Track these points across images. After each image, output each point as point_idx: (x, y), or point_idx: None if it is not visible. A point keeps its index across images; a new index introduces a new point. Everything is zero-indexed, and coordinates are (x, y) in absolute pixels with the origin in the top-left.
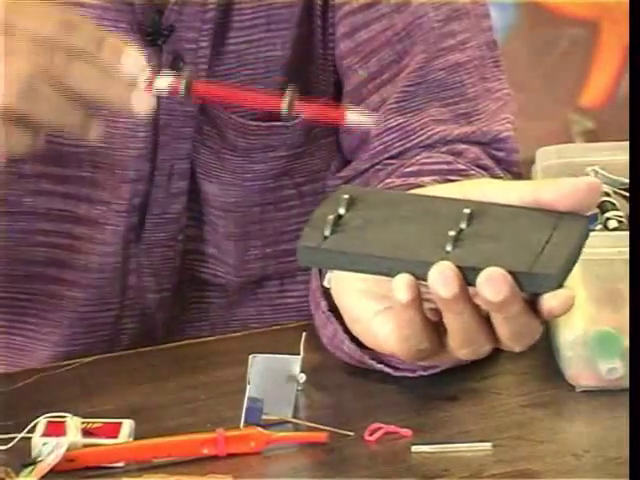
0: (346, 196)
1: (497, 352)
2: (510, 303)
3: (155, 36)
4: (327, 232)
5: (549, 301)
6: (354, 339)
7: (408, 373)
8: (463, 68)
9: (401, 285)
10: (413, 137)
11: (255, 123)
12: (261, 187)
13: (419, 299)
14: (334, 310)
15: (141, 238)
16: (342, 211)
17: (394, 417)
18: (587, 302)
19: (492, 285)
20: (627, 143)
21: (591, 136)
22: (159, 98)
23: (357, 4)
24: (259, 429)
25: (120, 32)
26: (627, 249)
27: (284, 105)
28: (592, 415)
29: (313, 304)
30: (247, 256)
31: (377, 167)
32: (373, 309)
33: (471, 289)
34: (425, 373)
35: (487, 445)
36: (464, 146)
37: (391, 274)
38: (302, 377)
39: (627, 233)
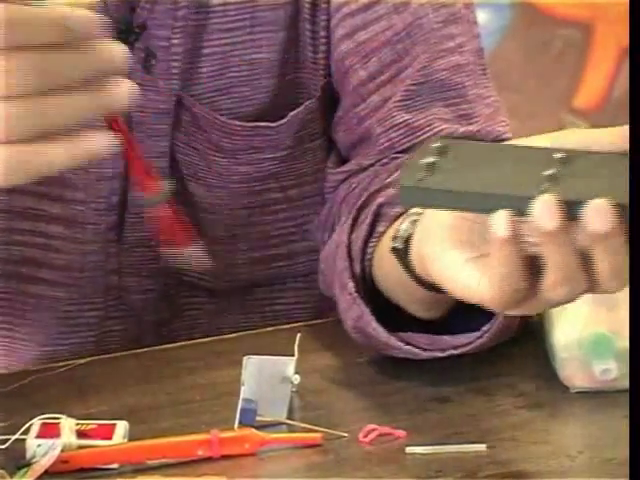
0: (437, 144)
1: (491, 353)
2: (614, 235)
3: (127, 33)
4: (422, 175)
5: None
6: (380, 321)
7: (438, 353)
8: (463, 70)
9: (501, 221)
10: (420, 133)
11: (239, 123)
12: (247, 190)
13: (518, 235)
14: (360, 292)
15: (121, 237)
16: (434, 159)
17: (388, 418)
18: (581, 304)
19: (599, 215)
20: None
21: None
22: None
23: (355, 6)
24: (253, 430)
25: None
26: None
27: (159, 191)
28: (586, 416)
29: (338, 286)
30: (234, 260)
31: (384, 161)
32: (463, 257)
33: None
34: (456, 352)
35: (481, 446)
36: None
37: (493, 210)
38: (296, 378)
39: None
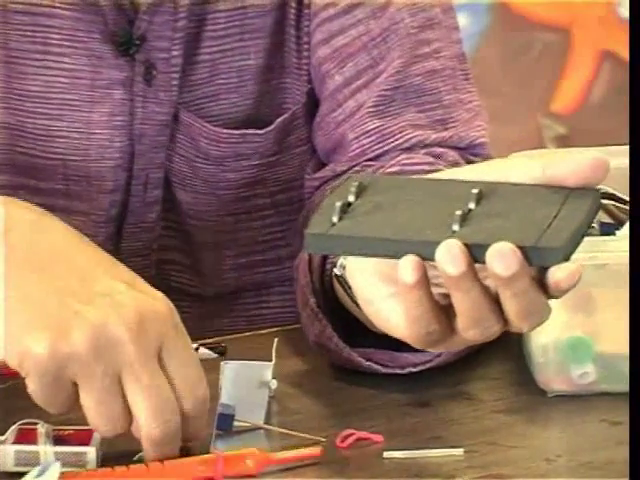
0: (355, 183)
1: (469, 357)
2: (519, 278)
3: (127, 46)
4: (335, 219)
5: (555, 274)
6: (342, 337)
7: (397, 370)
8: (439, 75)
9: (407, 266)
10: (391, 140)
11: (227, 131)
12: (235, 196)
13: (426, 280)
14: (321, 308)
15: (118, 248)
16: (351, 198)
17: (366, 423)
18: (559, 308)
19: (502, 259)
20: (597, 149)
21: (563, 141)
22: (134, 107)
23: (334, 11)
24: (255, 450)
25: (93, 42)
26: (598, 255)
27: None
28: (564, 420)
29: (301, 301)
30: (222, 266)
31: (356, 169)
32: (385, 292)
33: (478, 268)
34: (415, 369)
35: (459, 451)
36: (442, 149)
37: (398, 256)
38: (274, 383)
39: (600, 238)
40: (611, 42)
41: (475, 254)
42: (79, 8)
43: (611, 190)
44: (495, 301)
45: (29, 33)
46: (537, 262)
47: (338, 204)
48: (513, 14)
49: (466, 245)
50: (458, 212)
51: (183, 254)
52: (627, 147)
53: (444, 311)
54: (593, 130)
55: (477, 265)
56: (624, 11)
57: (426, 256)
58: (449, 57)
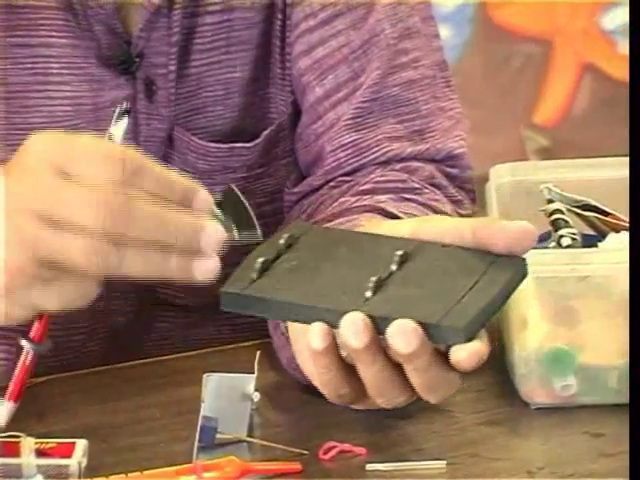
0: (285, 236)
1: None
2: (419, 355)
3: (127, 64)
4: (254, 276)
5: (456, 354)
6: None
7: None
8: (417, 85)
9: (315, 333)
10: (367, 154)
11: (215, 145)
12: None
13: (334, 347)
14: None
15: None
16: (276, 253)
17: (348, 435)
18: (541, 319)
19: (402, 336)
20: (579, 161)
21: (546, 153)
22: (138, 124)
23: (313, 22)
24: (234, 458)
25: (92, 67)
26: (580, 266)
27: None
28: (546, 432)
29: (271, 326)
30: None
31: (331, 184)
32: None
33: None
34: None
35: (442, 463)
36: (418, 164)
37: (309, 322)
38: (256, 396)
39: (582, 250)
40: (593, 54)
41: (380, 327)
42: (74, 35)
43: (593, 202)
44: (401, 373)
45: (29, 65)
46: (438, 340)
47: (259, 261)
48: (495, 25)
49: (372, 317)
50: (373, 278)
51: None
52: (611, 159)
53: (356, 375)
54: (575, 142)
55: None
56: (606, 23)
57: (334, 324)
58: (428, 66)
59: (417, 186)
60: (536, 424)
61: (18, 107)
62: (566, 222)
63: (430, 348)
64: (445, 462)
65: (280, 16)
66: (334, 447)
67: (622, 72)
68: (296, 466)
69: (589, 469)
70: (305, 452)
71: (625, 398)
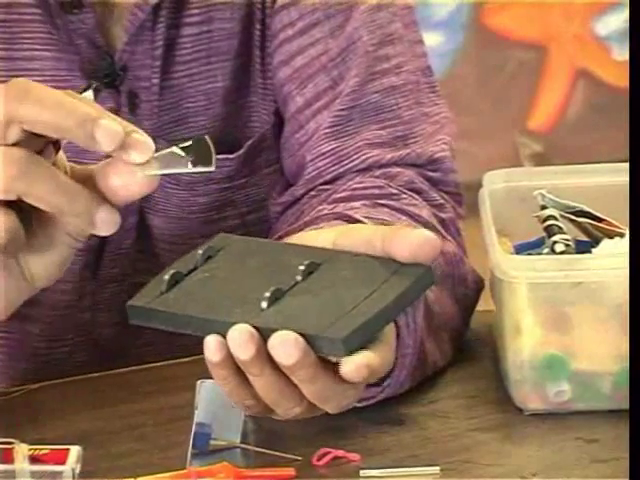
0: (204, 248)
1: (443, 375)
2: (302, 366)
3: (112, 77)
4: (163, 289)
5: (344, 366)
6: None
7: None
8: (398, 91)
9: (210, 345)
10: (347, 162)
11: None
12: (205, 218)
13: (231, 359)
14: None
15: (97, 275)
16: (195, 265)
17: (342, 442)
18: (534, 325)
19: (283, 347)
20: (573, 167)
21: (539, 159)
22: None
23: (292, 32)
24: (227, 464)
25: (75, 78)
26: (574, 272)
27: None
28: (540, 438)
29: None
30: None
31: (312, 193)
32: None
33: None
34: (360, 405)
35: (435, 469)
36: (398, 169)
37: (205, 335)
38: None
39: (576, 256)
40: (587, 60)
41: (268, 338)
42: (57, 48)
43: (587, 208)
44: (292, 383)
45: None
46: (321, 352)
47: (170, 273)
48: (489, 32)
49: (259, 328)
50: (272, 289)
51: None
52: (605, 165)
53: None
54: (569, 147)
55: None
56: (600, 29)
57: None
58: (411, 71)
59: (394, 191)
60: (530, 430)
61: None
62: (560, 228)
63: (314, 359)
64: (439, 468)
65: (259, 26)
66: (328, 453)
67: (616, 78)
68: (290, 472)
69: (582, 475)
70: (299, 458)
71: (618, 404)
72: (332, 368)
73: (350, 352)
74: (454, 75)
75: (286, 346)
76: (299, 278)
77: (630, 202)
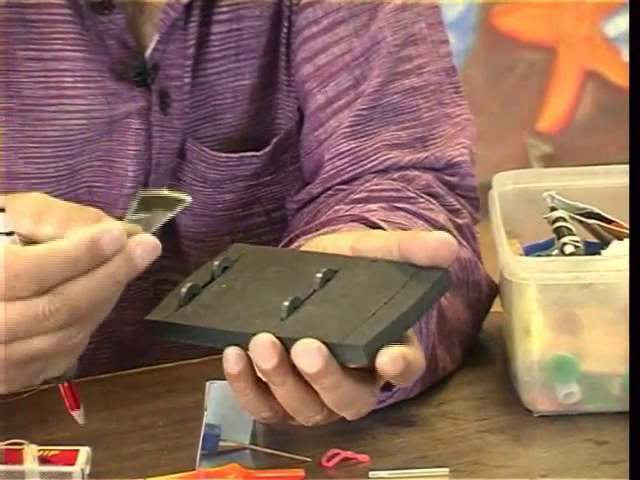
0: (220, 259)
1: (453, 377)
2: (326, 374)
3: (143, 77)
4: (181, 302)
5: (379, 357)
6: None
7: None
8: (419, 92)
9: (229, 357)
10: (365, 162)
11: (226, 155)
12: (231, 216)
13: (250, 371)
14: None
15: None
16: (212, 276)
17: (351, 443)
18: (544, 327)
19: (306, 356)
20: (583, 168)
21: (549, 160)
22: (151, 136)
23: (316, 29)
24: (237, 465)
25: (105, 79)
26: (583, 274)
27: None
28: (549, 440)
29: None
30: None
31: (329, 192)
32: None
33: None
34: (379, 406)
35: (444, 470)
36: (416, 173)
37: (225, 347)
38: None
39: (585, 258)
40: (596, 61)
41: (289, 347)
42: (88, 48)
43: (596, 210)
44: (313, 392)
45: (42, 79)
46: (342, 359)
47: (187, 286)
48: (498, 33)
49: (281, 338)
50: (291, 299)
51: (180, 274)
52: (614, 167)
53: (273, 396)
54: (578, 149)
55: None
56: (609, 30)
57: (247, 348)
58: (434, 72)
59: (412, 195)
60: (539, 432)
61: (32, 120)
62: (569, 230)
63: (337, 367)
64: (448, 469)
65: (286, 23)
66: (337, 454)
67: (625, 79)
68: (299, 473)
69: (592, 476)
70: (308, 459)
71: (628, 406)
72: (353, 375)
73: (371, 359)
74: (463, 76)
75: (310, 354)
76: (317, 286)
77: (630, 202)
